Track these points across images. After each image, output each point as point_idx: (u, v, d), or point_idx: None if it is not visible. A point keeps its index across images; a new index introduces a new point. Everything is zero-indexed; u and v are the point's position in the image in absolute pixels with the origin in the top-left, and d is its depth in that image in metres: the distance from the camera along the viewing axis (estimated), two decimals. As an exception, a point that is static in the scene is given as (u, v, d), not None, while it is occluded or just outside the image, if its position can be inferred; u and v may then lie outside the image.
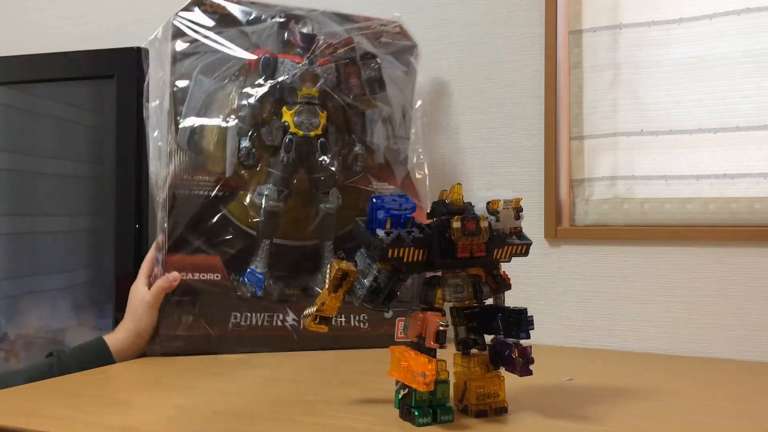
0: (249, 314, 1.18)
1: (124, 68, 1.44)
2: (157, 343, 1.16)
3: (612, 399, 0.90)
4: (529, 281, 1.35)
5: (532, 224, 1.34)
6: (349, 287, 0.82)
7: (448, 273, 0.82)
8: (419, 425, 0.77)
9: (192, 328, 1.16)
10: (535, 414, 0.83)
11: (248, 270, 1.20)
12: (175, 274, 1.16)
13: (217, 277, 1.18)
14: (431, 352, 0.77)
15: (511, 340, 0.81)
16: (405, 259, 0.78)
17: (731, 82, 1.23)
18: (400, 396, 0.81)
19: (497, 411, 0.81)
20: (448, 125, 1.42)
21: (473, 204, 0.83)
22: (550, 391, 0.94)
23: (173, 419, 0.83)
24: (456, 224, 0.78)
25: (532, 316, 0.80)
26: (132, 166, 1.42)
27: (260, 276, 1.20)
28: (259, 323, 1.18)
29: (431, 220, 0.81)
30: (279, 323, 1.18)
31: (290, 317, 1.18)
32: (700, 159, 1.25)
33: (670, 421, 0.81)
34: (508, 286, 0.84)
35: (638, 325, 1.28)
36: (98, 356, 1.12)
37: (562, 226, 1.33)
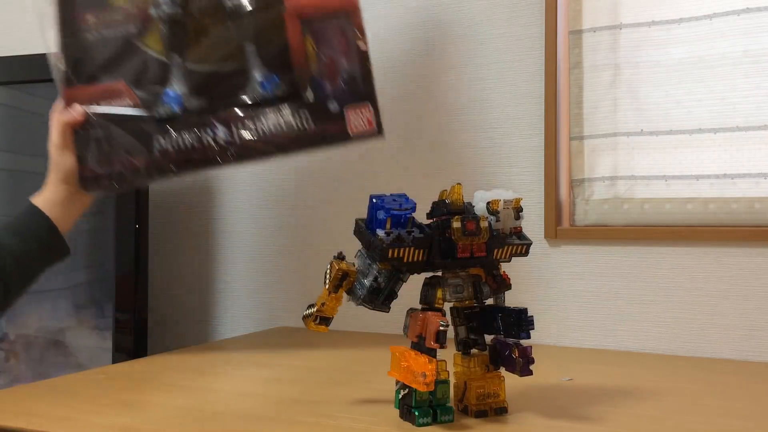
0: (174, 136, 1.06)
1: (124, 68, 1.43)
2: (81, 187, 1.07)
3: (612, 399, 0.90)
4: (529, 281, 1.35)
5: (532, 224, 1.34)
6: (349, 287, 0.82)
7: (448, 273, 0.82)
8: (419, 425, 0.77)
9: (114, 164, 1.06)
10: (535, 414, 0.83)
11: (164, 91, 1.09)
12: (77, 107, 1.07)
13: (128, 102, 1.08)
14: (431, 352, 0.77)
15: (511, 340, 0.81)
16: (405, 259, 0.78)
17: (731, 82, 1.23)
18: (400, 396, 0.81)
19: (497, 411, 0.81)
20: (448, 125, 1.42)
21: (473, 204, 0.83)
22: (550, 391, 0.94)
23: (173, 419, 0.83)
24: (456, 224, 0.78)
25: (532, 316, 0.80)
26: (132, 166, 1.42)
27: (175, 94, 1.09)
28: (187, 145, 1.07)
29: (431, 221, 0.81)
30: (209, 141, 1.06)
31: (221, 131, 1.06)
32: (700, 159, 1.25)
33: (669, 421, 0.81)
34: (509, 286, 0.84)
35: (638, 325, 1.28)
36: (30, 218, 1.05)
37: (562, 226, 1.33)
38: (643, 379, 1.05)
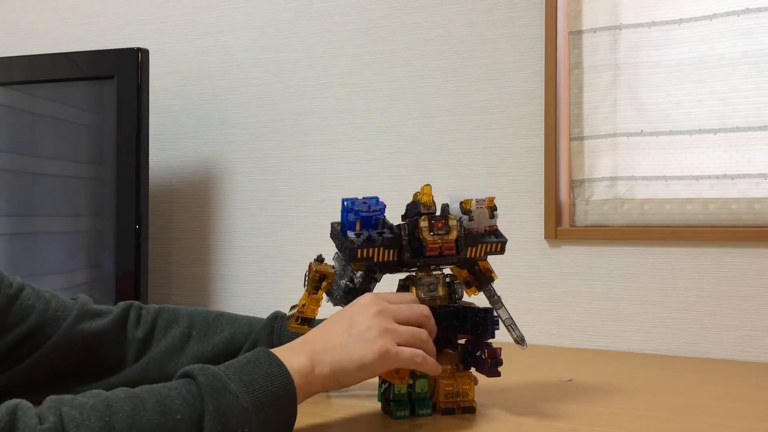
0: None
1: (124, 68, 1.44)
2: None
3: (611, 399, 0.90)
4: (529, 281, 1.35)
5: (533, 224, 1.34)
6: (328, 288, 0.83)
7: (422, 272, 0.83)
8: (396, 417, 0.79)
9: None
10: (534, 413, 0.83)
11: None
12: None
13: None
14: None
15: (483, 341, 0.81)
16: (375, 259, 0.80)
17: (731, 82, 1.23)
18: (381, 390, 0.83)
19: (465, 410, 0.82)
20: (448, 126, 1.42)
21: (449, 205, 0.84)
22: (549, 391, 0.94)
23: (173, 419, 0.82)
24: (423, 223, 0.80)
25: (497, 316, 0.81)
26: (132, 166, 1.42)
27: None
28: None
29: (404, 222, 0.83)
30: None
31: None
32: (700, 159, 1.25)
33: (669, 422, 0.81)
34: (491, 279, 0.86)
35: (638, 325, 1.28)
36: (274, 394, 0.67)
37: (562, 227, 1.33)
38: (643, 379, 1.05)
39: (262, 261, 1.59)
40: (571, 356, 1.23)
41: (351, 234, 0.80)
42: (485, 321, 0.80)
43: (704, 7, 1.24)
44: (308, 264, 0.83)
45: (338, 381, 0.73)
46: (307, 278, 0.84)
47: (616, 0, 1.30)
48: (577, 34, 1.33)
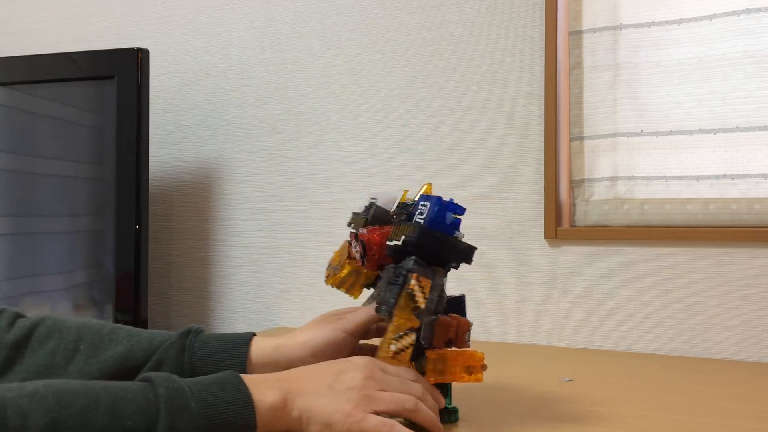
0: None
1: (124, 69, 1.44)
2: None
3: (612, 400, 0.90)
4: (529, 281, 1.35)
5: (533, 224, 1.34)
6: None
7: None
8: (458, 419, 0.78)
9: None
10: (535, 414, 0.83)
11: None
12: None
13: None
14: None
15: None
16: None
17: (731, 82, 1.23)
18: None
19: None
20: (449, 126, 1.42)
21: (380, 205, 0.83)
22: (549, 391, 0.94)
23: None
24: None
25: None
26: (132, 166, 1.42)
27: None
28: None
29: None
30: None
31: None
32: (700, 160, 1.25)
33: (669, 422, 0.81)
34: None
35: (638, 325, 1.28)
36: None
37: (562, 227, 1.33)
38: (642, 379, 1.05)
39: (262, 261, 1.59)
40: (571, 356, 1.23)
41: (460, 234, 0.75)
42: (460, 305, 0.79)
43: (704, 7, 1.24)
44: (409, 274, 0.73)
45: (303, 429, 0.69)
46: (419, 294, 0.73)
47: (616, 0, 1.30)
48: (577, 34, 1.33)
